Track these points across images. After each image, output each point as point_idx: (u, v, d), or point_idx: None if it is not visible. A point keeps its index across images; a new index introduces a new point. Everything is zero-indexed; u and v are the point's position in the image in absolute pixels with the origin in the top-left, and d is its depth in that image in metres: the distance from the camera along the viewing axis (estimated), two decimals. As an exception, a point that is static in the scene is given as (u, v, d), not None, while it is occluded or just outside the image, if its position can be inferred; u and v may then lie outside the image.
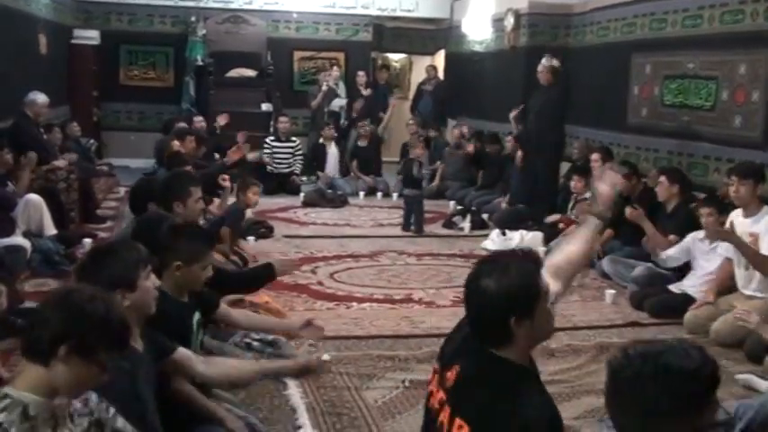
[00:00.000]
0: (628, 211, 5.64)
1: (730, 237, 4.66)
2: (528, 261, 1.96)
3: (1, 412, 1.71)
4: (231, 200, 6.28)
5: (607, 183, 2.48)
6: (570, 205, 7.22)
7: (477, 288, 1.91)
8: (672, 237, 5.47)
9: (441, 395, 1.97)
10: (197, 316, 2.95)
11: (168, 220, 3.42)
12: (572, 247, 2.37)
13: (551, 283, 2.06)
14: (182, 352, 2.53)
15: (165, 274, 2.87)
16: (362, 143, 10.33)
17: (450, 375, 1.95)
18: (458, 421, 1.87)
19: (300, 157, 10.09)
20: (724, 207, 5.17)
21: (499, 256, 2.03)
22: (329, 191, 9.31)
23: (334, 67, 11.04)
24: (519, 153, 8.20)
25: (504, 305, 1.86)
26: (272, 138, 9.93)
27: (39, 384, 1.77)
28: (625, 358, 1.50)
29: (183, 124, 8.97)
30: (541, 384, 1.95)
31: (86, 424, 1.92)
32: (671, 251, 5.37)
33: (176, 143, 7.19)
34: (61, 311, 1.80)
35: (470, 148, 9.63)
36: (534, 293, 1.90)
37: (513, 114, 8.40)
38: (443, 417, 1.92)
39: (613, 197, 2.48)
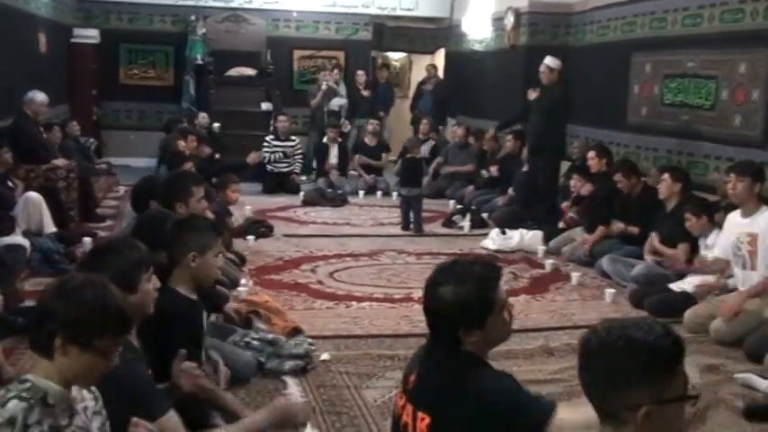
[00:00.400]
0: (652, 236, 5.64)
1: (734, 308, 4.59)
2: (486, 271, 2.00)
3: (23, 393, 1.74)
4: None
5: None
6: (569, 204, 7.23)
7: (433, 295, 1.99)
8: (682, 246, 5.51)
9: (403, 400, 2.04)
10: (205, 314, 2.96)
11: (169, 217, 3.42)
12: None
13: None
14: (172, 420, 2.27)
15: (177, 271, 2.86)
16: (369, 142, 10.35)
17: (411, 377, 2.04)
18: (420, 414, 1.94)
19: (300, 156, 10.09)
20: (701, 207, 5.24)
21: (458, 264, 2.07)
22: (329, 190, 9.31)
23: (335, 69, 11.03)
24: (525, 154, 8.22)
25: (455, 317, 1.94)
26: (271, 137, 9.93)
27: (51, 374, 1.79)
28: (592, 332, 1.55)
29: (184, 124, 8.99)
30: (496, 370, 2.01)
31: (99, 423, 1.93)
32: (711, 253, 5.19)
33: (181, 142, 7.21)
34: (55, 302, 1.80)
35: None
36: (487, 306, 1.95)
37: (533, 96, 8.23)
38: (406, 417, 1.99)
39: None
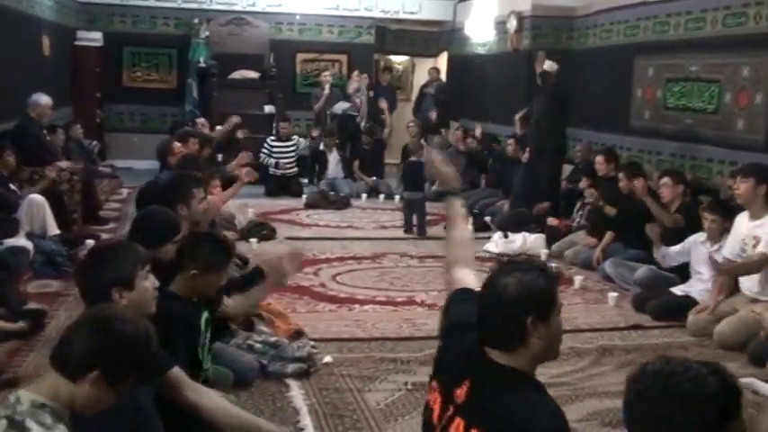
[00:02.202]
0: (648, 227, 5.64)
1: (731, 271, 4.62)
2: (546, 270, 1.99)
3: (38, 409, 1.73)
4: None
5: (438, 162, 2.74)
6: (576, 207, 7.23)
7: (496, 285, 1.91)
8: (677, 216, 5.50)
9: (450, 411, 1.94)
10: (205, 315, 2.96)
11: (167, 214, 3.42)
12: (457, 233, 2.57)
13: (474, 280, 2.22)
14: (176, 371, 2.51)
15: (180, 277, 2.88)
16: (367, 145, 10.37)
17: (460, 392, 1.93)
18: (474, 431, 1.86)
19: (293, 154, 10.07)
20: (730, 213, 5.16)
21: (520, 262, 2.07)
22: (331, 193, 9.31)
23: (364, 74, 11.03)
24: (525, 154, 8.20)
25: (522, 303, 1.86)
26: (272, 138, 9.94)
27: (59, 393, 1.78)
28: (641, 373, 1.49)
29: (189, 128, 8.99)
30: (551, 396, 1.94)
31: None
32: (671, 249, 5.36)
33: (178, 145, 7.19)
34: (99, 335, 1.80)
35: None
36: (552, 299, 1.91)
37: (518, 116, 8.40)
38: (455, 430, 1.90)
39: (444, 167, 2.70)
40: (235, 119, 9.25)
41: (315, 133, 10.71)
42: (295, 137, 10.10)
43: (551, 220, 7.30)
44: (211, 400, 2.54)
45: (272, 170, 9.76)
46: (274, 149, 9.83)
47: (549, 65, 7.66)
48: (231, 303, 3.37)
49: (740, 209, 4.93)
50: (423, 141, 9.27)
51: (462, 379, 1.93)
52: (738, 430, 1.42)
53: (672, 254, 5.36)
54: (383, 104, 11.14)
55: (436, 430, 1.98)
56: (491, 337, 1.91)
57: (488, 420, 1.84)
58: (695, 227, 5.28)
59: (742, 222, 4.79)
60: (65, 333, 1.87)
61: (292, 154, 9.94)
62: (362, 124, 10.84)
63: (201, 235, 3.14)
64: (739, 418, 1.41)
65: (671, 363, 1.46)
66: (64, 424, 1.75)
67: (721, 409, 1.40)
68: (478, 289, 2.06)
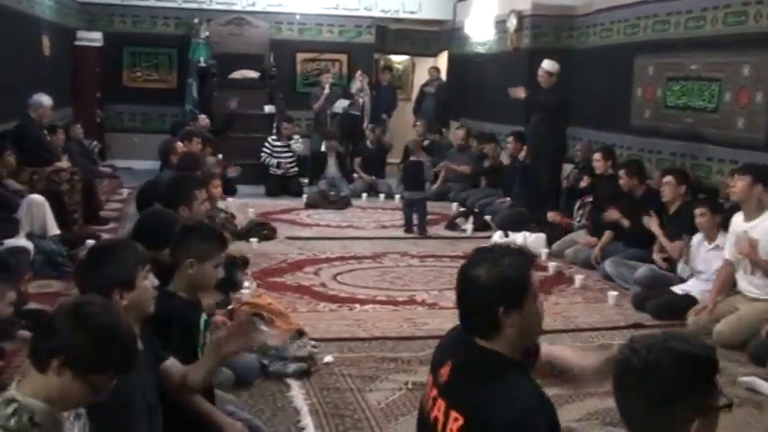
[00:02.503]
0: (645, 219, 5.74)
1: (752, 256, 4.61)
2: (521, 256, 1.99)
3: (11, 417, 1.70)
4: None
5: None
6: (577, 207, 7.24)
7: (467, 276, 1.95)
8: (678, 243, 5.49)
9: (434, 392, 1.99)
10: (204, 316, 2.96)
11: (170, 216, 3.42)
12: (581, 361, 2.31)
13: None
14: (171, 361, 2.52)
15: (177, 274, 2.87)
16: (370, 144, 10.41)
17: (444, 371, 1.98)
18: (453, 413, 1.89)
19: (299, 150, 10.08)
20: (718, 207, 5.17)
21: (493, 249, 2.05)
22: (332, 192, 9.31)
23: (360, 73, 11.03)
24: (523, 153, 8.22)
25: (492, 294, 1.89)
26: (273, 138, 9.94)
27: (39, 391, 1.76)
28: (630, 352, 1.54)
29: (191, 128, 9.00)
30: (531, 378, 1.97)
31: (80, 425, 1.91)
32: (686, 285, 5.31)
33: (180, 144, 7.20)
34: (65, 322, 1.76)
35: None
36: (523, 286, 1.92)
37: (516, 91, 8.08)
38: (437, 412, 1.94)
39: None
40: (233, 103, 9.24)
41: (312, 134, 10.74)
42: (296, 136, 10.09)
43: (552, 215, 7.29)
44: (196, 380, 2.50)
45: (272, 170, 9.76)
46: (276, 149, 9.83)
47: (549, 65, 7.66)
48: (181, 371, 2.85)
49: (736, 208, 4.93)
50: (421, 140, 9.28)
51: (445, 360, 1.99)
52: (715, 388, 1.51)
53: (687, 287, 5.28)
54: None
55: (425, 413, 2.01)
56: (468, 326, 1.97)
57: (466, 402, 1.88)
58: (696, 228, 5.28)
59: (737, 222, 4.79)
60: (35, 325, 1.86)
61: (293, 155, 9.95)
62: (366, 123, 10.84)
63: (191, 226, 3.11)
64: (715, 376, 1.52)
65: (650, 337, 1.57)
66: (30, 421, 1.70)
67: (710, 363, 1.51)
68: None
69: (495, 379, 1.87)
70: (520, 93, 7.87)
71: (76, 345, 1.72)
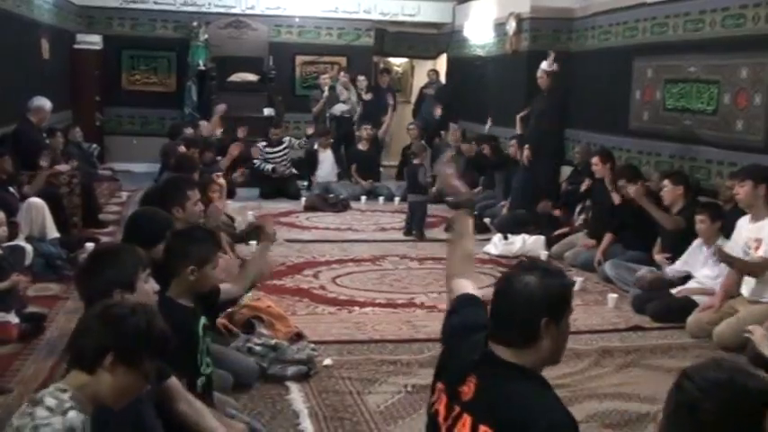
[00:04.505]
0: (632, 189, 5.79)
1: (733, 261, 4.64)
2: (563, 274, 2.03)
3: (72, 410, 1.76)
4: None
5: (450, 176, 2.71)
6: (577, 210, 7.23)
7: (515, 283, 1.91)
8: (678, 218, 5.50)
9: (456, 409, 1.94)
10: (202, 320, 2.96)
11: (160, 214, 3.41)
12: (464, 248, 2.44)
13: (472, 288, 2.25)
14: (174, 381, 2.54)
15: (176, 281, 2.87)
16: (363, 147, 10.35)
17: (467, 389, 1.93)
18: (482, 428, 1.86)
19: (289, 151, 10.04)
20: (718, 213, 5.17)
21: (537, 263, 2.08)
22: (331, 195, 9.31)
23: (341, 72, 11.03)
24: (525, 153, 8.20)
25: (541, 303, 1.87)
26: (264, 144, 9.90)
27: (83, 388, 1.81)
28: (688, 380, 1.56)
29: (190, 130, 9.00)
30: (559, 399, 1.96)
31: None
32: (676, 266, 5.36)
33: (183, 148, 7.22)
34: (105, 323, 1.86)
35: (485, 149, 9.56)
36: (567, 303, 1.93)
37: (520, 115, 8.39)
38: (462, 427, 1.91)
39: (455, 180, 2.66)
40: (221, 107, 9.25)
41: (310, 131, 10.71)
42: (286, 138, 10.06)
43: (543, 205, 7.28)
44: (198, 414, 2.57)
45: (266, 172, 9.72)
46: (269, 155, 9.81)
47: (546, 63, 7.66)
48: (229, 288, 3.38)
49: (741, 213, 4.93)
50: (423, 143, 9.27)
51: (467, 377, 1.93)
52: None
53: (676, 268, 5.35)
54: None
55: (442, 430, 1.97)
56: (503, 334, 1.91)
57: (497, 415, 1.85)
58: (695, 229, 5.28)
59: (744, 226, 4.78)
60: (74, 330, 1.93)
61: (286, 157, 9.94)
62: (356, 126, 10.81)
63: (184, 231, 3.09)
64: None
65: (720, 365, 1.58)
66: (82, 412, 1.76)
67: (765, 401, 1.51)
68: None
69: (525, 391, 1.86)
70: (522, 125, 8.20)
71: (124, 341, 1.83)
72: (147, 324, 1.88)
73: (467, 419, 1.90)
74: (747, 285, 4.74)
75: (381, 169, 10.94)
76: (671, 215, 5.63)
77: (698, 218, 5.08)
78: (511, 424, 1.82)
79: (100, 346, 1.82)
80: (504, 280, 1.96)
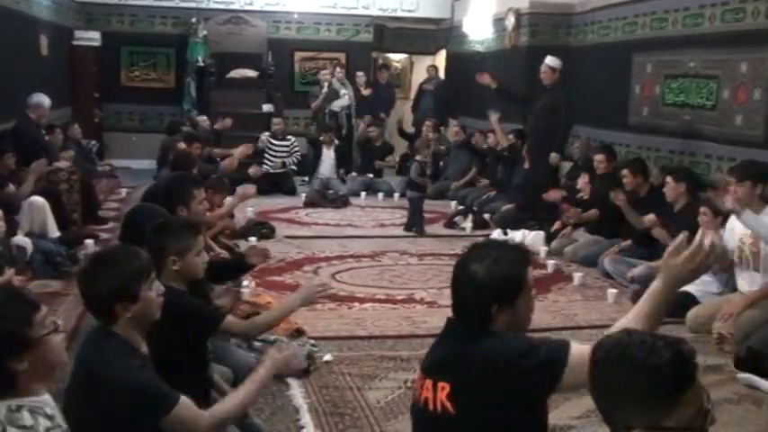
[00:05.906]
0: (612, 194, 5.87)
1: (735, 311, 4.55)
2: (517, 251, 2.03)
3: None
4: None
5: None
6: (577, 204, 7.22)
7: (464, 272, 1.98)
8: (682, 235, 5.46)
9: (421, 380, 2.02)
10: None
11: (154, 209, 3.40)
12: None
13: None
14: (229, 319, 2.97)
15: (164, 273, 2.86)
16: (377, 143, 10.53)
17: (428, 356, 2.05)
18: (440, 384, 1.93)
19: (298, 154, 10.05)
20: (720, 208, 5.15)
21: (490, 244, 2.10)
22: (330, 191, 9.31)
23: (337, 68, 11.02)
24: (525, 148, 8.21)
25: (487, 293, 1.93)
26: (267, 134, 9.92)
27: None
28: (602, 342, 1.53)
29: (188, 128, 8.99)
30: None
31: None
32: None
33: (182, 145, 7.19)
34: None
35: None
36: (519, 285, 1.96)
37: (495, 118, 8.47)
38: (426, 392, 1.97)
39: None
40: (227, 122, 9.37)
41: (312, 129, 10.75)
42: (290, 137, 10.07)
43: (553, 193, 7.27)
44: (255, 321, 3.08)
45: (264, 168, 9.70)
46: (272, 148, 9.81)
47: (552, 60, 7.64)
48: (237, 323, 3.22)
49: None
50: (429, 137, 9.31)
51: (432, 350, 2.06)
52: (692, 401, 1.43)
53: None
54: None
55: (416, 400, 2.04)
56: (461, 320, 2.02)
57: (447, 370, 1.93)
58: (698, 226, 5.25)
59: (738, 222, 4.77)
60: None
61: (289, 153, 9.94)
62: (354, 121, 10.83)
63: (162, 224, 3.00)
64: (693, 389, 1.43)
65: (631, 334, 1.50)
66: None
67: (672, 380, 1.41)
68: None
69: (471, 340, 1.93)
70: (486, 79, 8.00)
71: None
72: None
73: (428, 382, 1.97)
74: (747, 281, 4.73)
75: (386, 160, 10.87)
76: (642, 219, 5.69)
77: (700, 210, 5.07)
78: (459, 367, 1.91)
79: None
80: (455, 269, 2.02)
